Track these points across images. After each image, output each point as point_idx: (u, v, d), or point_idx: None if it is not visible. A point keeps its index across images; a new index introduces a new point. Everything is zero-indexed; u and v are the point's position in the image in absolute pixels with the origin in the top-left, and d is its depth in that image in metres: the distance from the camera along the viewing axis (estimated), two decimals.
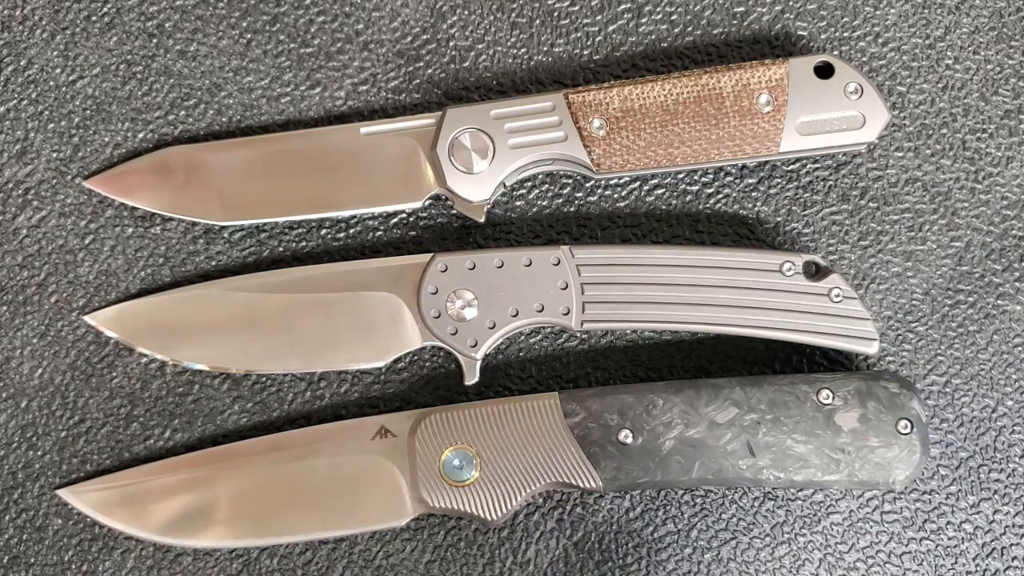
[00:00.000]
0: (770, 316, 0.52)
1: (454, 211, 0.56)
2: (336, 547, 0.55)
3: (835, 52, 0.57)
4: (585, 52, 0.58)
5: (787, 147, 0.53)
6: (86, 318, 0.56)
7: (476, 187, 0.54)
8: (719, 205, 0.57)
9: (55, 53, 0.58)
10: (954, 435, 0.55)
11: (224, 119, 0.57)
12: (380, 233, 0.57)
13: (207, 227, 0.57)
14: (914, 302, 0.56)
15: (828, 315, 0.52)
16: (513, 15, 0.58)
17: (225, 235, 0.57)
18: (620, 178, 0.56)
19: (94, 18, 0.58)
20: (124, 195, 0.56)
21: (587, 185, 0.57)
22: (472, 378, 0.53)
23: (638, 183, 0.57)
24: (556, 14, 0.58)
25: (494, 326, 0.53)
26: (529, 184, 0.57)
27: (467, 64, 0.58)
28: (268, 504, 0.52)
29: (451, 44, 0.58)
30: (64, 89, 0.58)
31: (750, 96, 0.53)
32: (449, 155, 0.54)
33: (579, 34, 0.58)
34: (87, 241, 0.57)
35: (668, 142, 0.53)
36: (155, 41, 0.58)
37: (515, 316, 0.53)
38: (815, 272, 0.53)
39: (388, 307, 0.54)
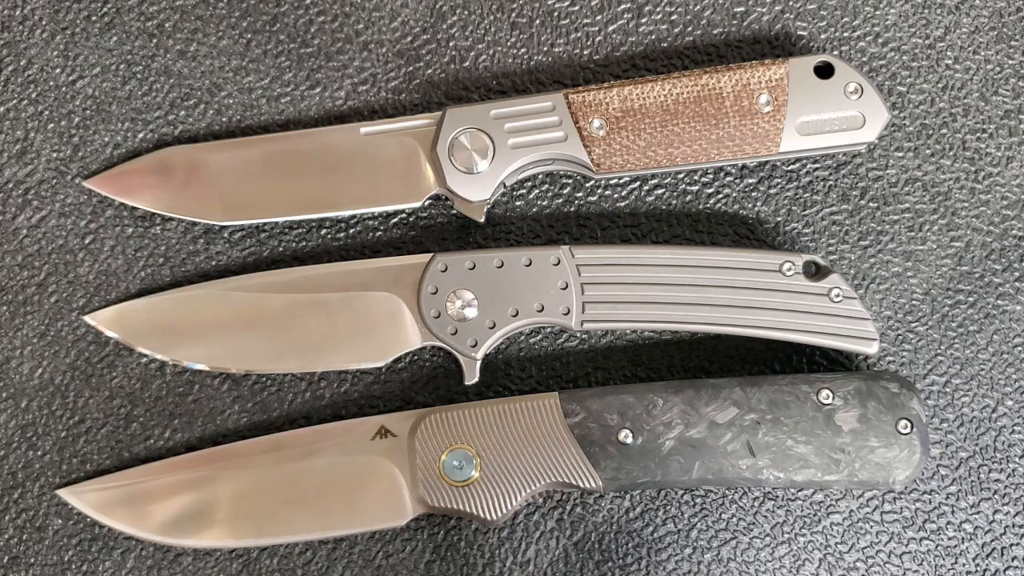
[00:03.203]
0: (770, 316, 0.52)
1: (454, 211, 0.56)
2: (336, 547, 0.55)
3: (835, 52, 0.57)
4: (585, 52, 0.58)
5: (787, 147, 0.53)
6: (86, 318, 0.56)
7: (476, 187, 0.54)
8: (719, 205, 0.57)
9: (55, 53, 0.58)
10: (954, 435, 0.55)
11: (224, 119, 0.57)
12: (380, 233, 0.57)
13: (207, 227, 0.57)
14: (914, 302, 0.56)
15: (828, 315, 0.52)
16: (513, 15, 0.58)
17: (225, 235, 0.57)
18: (620, 178, 0.56)
19: (94, 18, 0.58)
20: (124, 195, 0.56)
21: (587, 185, 0.57)
22: (472, 378, 0.53)
23: (638, 183, 0.57)
24: (556, 14, 0.58)
25: (494, 326, 0.53)
26: (529, 184, 0.57)
27: (467, 64, 0.58)
28: (268, 504, 0.52)
29: (451, 44, 0.58)
30: (64, 89, 0.58)
31: (750, 96, 0.53)
32: (449, 155, 0.54)
33: (579, 34, 0.58)
34: (87, 241, 0.57)
35: (668, 142, 0.53)
36: (155, 41, 0.58)
37: (515, 316, 0.53)
38: (815, 272, 0.53)
39: (388, 307, 0.54)
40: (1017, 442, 0.55)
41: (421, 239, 0.57)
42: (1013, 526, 0.55)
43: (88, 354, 0.56)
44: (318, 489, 0.52)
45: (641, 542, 0.55)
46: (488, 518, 0.51)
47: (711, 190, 0.57)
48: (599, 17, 0.58)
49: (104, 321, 0.55)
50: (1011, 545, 0.55)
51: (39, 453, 0.55)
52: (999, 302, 0.56)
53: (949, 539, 0.55)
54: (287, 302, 0.54)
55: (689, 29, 0.58)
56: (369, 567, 0.54)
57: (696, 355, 0.56)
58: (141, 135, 0.57)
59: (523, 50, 0.58)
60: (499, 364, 0.56)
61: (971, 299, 0.56)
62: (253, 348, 0.54)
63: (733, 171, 0.57)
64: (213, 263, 0.57)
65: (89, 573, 0.54)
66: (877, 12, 0.58)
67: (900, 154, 0.57)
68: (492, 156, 0.54)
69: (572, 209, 0.57)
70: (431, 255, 0.53)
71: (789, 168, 0.57)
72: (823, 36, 0.58)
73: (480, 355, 0.53)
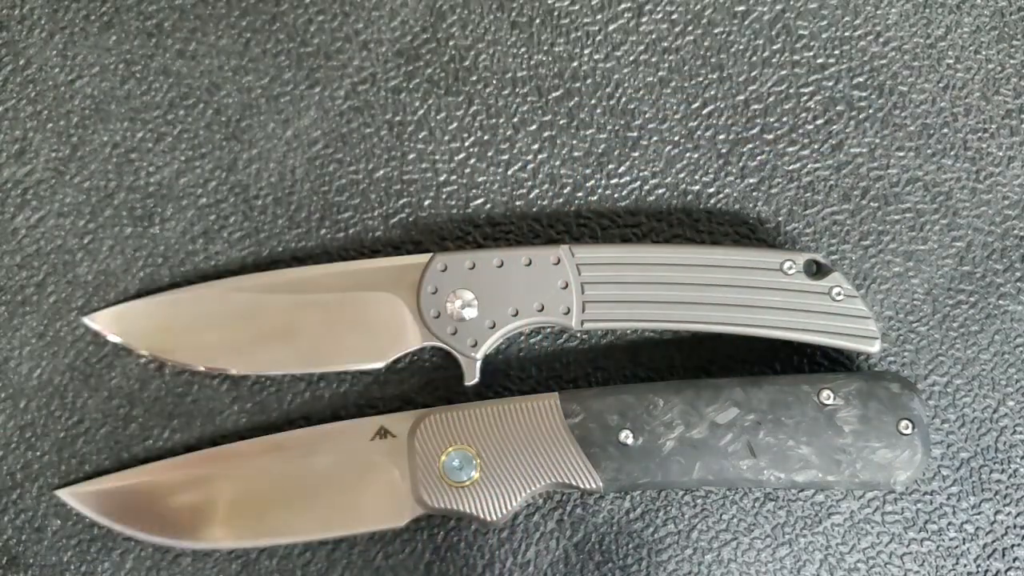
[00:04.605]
0: (771, 315, 0.52)
1: (453, 211, 0.56)
2: (335, 548, 0.54)
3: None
4: (585, 51, 0.58)
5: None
6: (85, 320, 0.55)
7: None
8: (720, 205, 0.57)
9: (54, 52, 0.58)
10: (955, 435, 0.55)
11: (223, 118, 0.57)
12: (380, 233, 0.57)
13: (206, 227, 0.57)
14: (915, 302, 0.56)
15: (829, 314, 0.52)
16: (513, 14, 0.58)
17: (224, 235, 0.57)
18: (620, 179, 0.56)
19: (92, 17, 0.58)
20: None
21: (587, 185, 0.57)
22: (472, 378, 0.53)
23: (638, 183, 0.57)
24: (556, 13, 0.58)
25: (494, 326, 0.53)
26: (529, 184, 0.57)
27: (467, 63, 0.58)
28: (267, 505, 0.52)
29: (451, 43, 0.58)
30: (63, 89, 0.57)
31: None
32: None
33: (579, 33, 0.58)
34: (86, 241, 0.57)
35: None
36: (154, 40, 0.58)
37: (515, 316, 0.53)
38: (816, 271, 0.53)
39: (388, 307, 0.53)
40: (1019, 443, 0.55)
41: (421, 239, 0.57)
42: (1015, 527, 0.55)
43: (87, 355, 0.56)
44: (317, 490, 0.52)
45: (642, 543, 0.55)
46: (488, 519, 0.51)
47: (712, 190, 0.57)
48: (599, 16, 0.58)
49: (103, 322, 0.55)
50: (1012, 546, 0.55)
51: (38, 454, 0.55)
52: (1001, 302, 0.56)
53: (950, 540, 0.55)
54: (287, 302, 0.54)
55: (690, 28, 0.58)
56: (368, 568, 0.54)
57: (696, 355, 0.56)
58: (140, 135, 0.57)
59: (523, 49, 0.58)
60: (499, 364, 0.56)
61: (972, 299, 0.56)
62: (252, 349, 0.54)
63: (734, 171, 0.57)
64: (212, 263, 0.57)
65: (88, 574, 0.54)
66: (878, 11, 0.58)
67: (901, 154, 0.57)
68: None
69: (572, 209, 0.57)
70: (431, 255, 0.53)
71: (790, 168, 0.57)
72: (824, 36, 0.57)
73: (480, 355, 0.53)
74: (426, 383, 0.56)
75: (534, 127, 0.57)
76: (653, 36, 0.58)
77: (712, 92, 0.57)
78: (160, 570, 0.54)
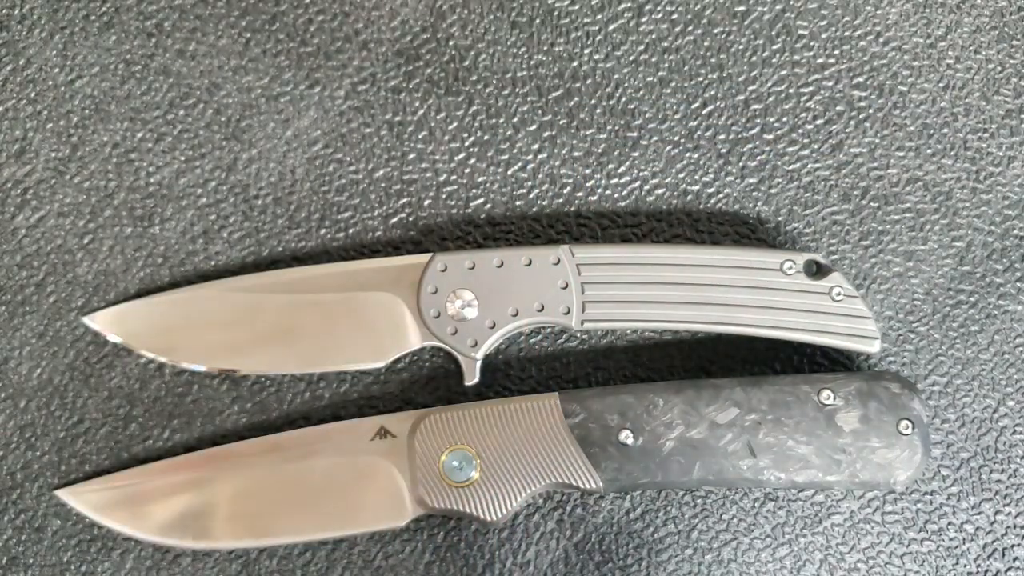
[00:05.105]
0: (771, 315, 0.52)
1: (453, 211, 0.56)
2: (335, 548, 0.54)
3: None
4: (585, 51, 0.58)
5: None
6: (84, 320, 0.55)
7: None
8: (720, 205, 0.57)
9: (53, 52, 0.58)
10: (955, 435, 0.55)
11: (223, 118, 0.57)
12: (380, 233, 0.57)
13: (206, 227, 0.57)
14: (915, 302, 0.56)
15: (829, 314, 0.52)
16: (513, 14, 0.58)
17: (224, 235, 0.57)
18: (620, 181, 0.56)
19: (92, 17, 0.58)
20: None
21: (587, 185, 0.57)
22: (472, 378, 0.53)
23: (638, 183, 0.57)
24: (556, 13, 0.58)
25: (494, 326, 0.53)
26: (529, 184, 0.57)
27: (467, 63, 0.58)
28: (267, 505, 0.52)
29: (451, 43, 0.58)
30: (63, 88, 0.57)
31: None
32: None
33: (579, 33, 0.58)
34: (86, 241, 0.57)
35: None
36: (154, 40, 0.58)
37: (515, 316, 0.53)
38: (816, 271, 0.53)
39: (388, 307, 0.53)
40: (1018, 443, 0.55)
41: (421, 239, 0.57)
42: (1015, 527, 0.55)
43: (87, 354, 0.56)
44: (317, 490, 0.52)
45: (642, 543, 0.55)
46: (488, 519, 0.51)
47: (712, 190, 0.57)
48: (599, 16, 0.58)
49: (103, 322, 0.55)
50: (1012, 546, 0.55)
51: (38, 454, 0.55)
52: (1000, 302, 0.56)
53: (950, 540, 0.55)
54: (286, 302, 0.54)
55: (690, 28, 0.58)
56: (369, 568, 0.54)
57: (696, 355, 0.56)
58: (140, 135, 0.57)
59: (523, 49, 0.58)
60: (499, 364, 0.56)
61: (972, 299, 0.56)
62: (252, 349, 0.54)
63: (734, 171, 0.57)
64: (212, 263, 0.57)
65: (88, 574, 0.54)
66: (878, 11, 0.58)
67: (901, 154, 0.57)
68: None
69: (572, 209, 0.57)
70: (431, 255, 0.53)
71: (790, 168, 0.57)
72: (824, 35, 0.57)
73: (480, 355, 0.53)
74: (426, 383, 0.56)
75: (534, 127, 0.57)
76: (653, 36, 0.58)
77: (712, 92, 0.57)
78: (160, 570, 0.54)
